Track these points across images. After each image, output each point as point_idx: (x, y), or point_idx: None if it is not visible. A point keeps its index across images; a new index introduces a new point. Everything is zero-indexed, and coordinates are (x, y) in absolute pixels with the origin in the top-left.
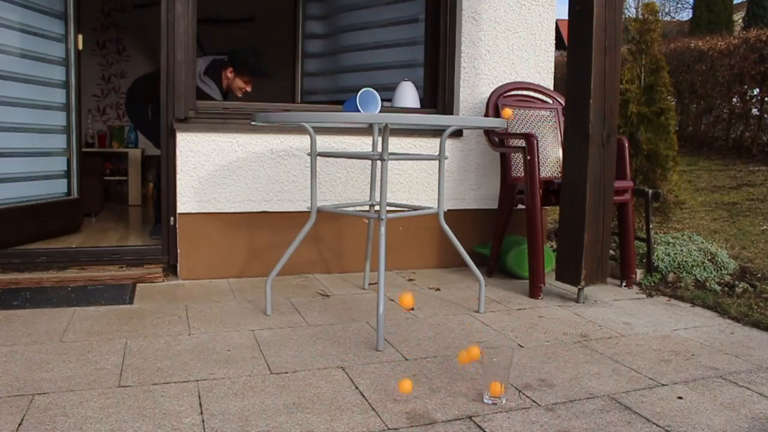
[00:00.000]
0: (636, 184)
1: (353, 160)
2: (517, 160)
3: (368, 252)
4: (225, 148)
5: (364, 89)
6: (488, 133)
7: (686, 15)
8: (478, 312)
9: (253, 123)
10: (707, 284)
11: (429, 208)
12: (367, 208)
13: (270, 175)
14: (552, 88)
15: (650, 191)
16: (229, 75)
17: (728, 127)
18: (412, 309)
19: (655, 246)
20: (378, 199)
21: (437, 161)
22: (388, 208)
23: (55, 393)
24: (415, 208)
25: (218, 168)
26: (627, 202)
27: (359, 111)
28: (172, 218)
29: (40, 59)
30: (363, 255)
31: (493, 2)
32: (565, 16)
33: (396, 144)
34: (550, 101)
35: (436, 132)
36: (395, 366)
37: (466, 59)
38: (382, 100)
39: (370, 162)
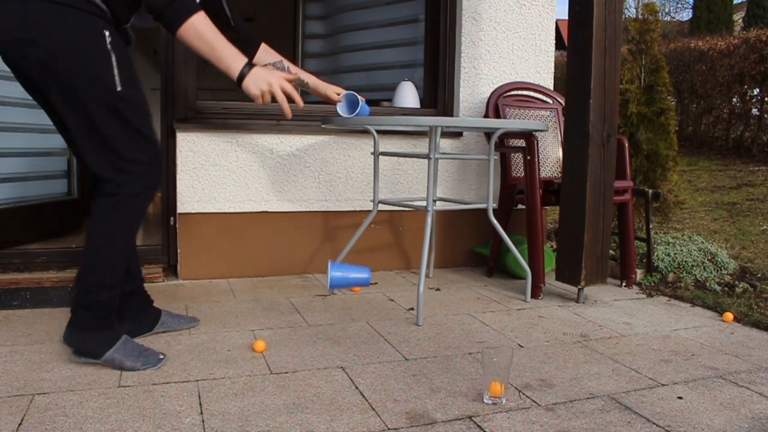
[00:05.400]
0: (636, 184)
1: (353, 160)
2: (517, 160)
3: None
4: (225, 148)
5: (349, 92)
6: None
7: (686, 15)
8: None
9: (323, 125)
10: (707, 284)
11: (479, 203)
12: (419, 203)
13: (270, 175)
14: (552, 88)
15: (650, 191)
16: None
17: (728, 127)
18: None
19: (655, 246)
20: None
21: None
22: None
23: (55, 393)
24: (464, 203)
25: (218, 168)
26: (627, 202)
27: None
28: (172, 218)
29: None
30: (363, 256)
31: (493, 2)
32: (565, 16)
33: (395, 144)
34: (550, 101)
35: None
36: (395, 366)
37: (466, 59)
38: (382, 101)
39: (370, 162)
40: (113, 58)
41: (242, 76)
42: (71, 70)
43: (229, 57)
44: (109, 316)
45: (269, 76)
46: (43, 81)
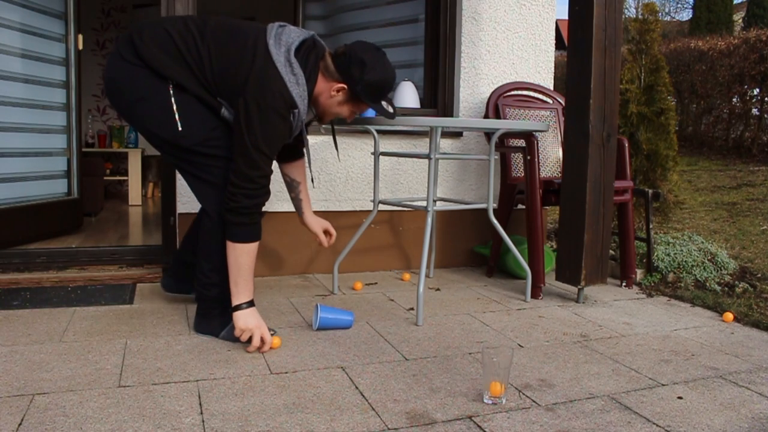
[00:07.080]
0: (636, 184)
1: (353, 160)
2: (517, 160)
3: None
4: None
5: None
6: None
7: (686, 15)
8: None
9: (323, 126)
10: (707, 284)
11: (479, 203)
12: (419, 203)
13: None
14: (552, 88)
15: (650, 191)
16: (336, 92)
17: (728, 127)
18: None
19: (655, 246)
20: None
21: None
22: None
23: (55, 393)
24: (464, 203)
25: None
26: (627, 202)
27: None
28: (172, 218)
29: (40, 59)
30: (363, 256)
31: (493, 2)
32: (565, 16)
33: (395, 144)
34: (550, 101)
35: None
36: (395, 366)
37: (466, 59)
38: None
39: (370, 162)
40: (174, 105)
41: (239, 307)
42: (143, 117)
43: (245, 287)
44: (221, 306)
45: (257, 323)
46: (130, 121)
